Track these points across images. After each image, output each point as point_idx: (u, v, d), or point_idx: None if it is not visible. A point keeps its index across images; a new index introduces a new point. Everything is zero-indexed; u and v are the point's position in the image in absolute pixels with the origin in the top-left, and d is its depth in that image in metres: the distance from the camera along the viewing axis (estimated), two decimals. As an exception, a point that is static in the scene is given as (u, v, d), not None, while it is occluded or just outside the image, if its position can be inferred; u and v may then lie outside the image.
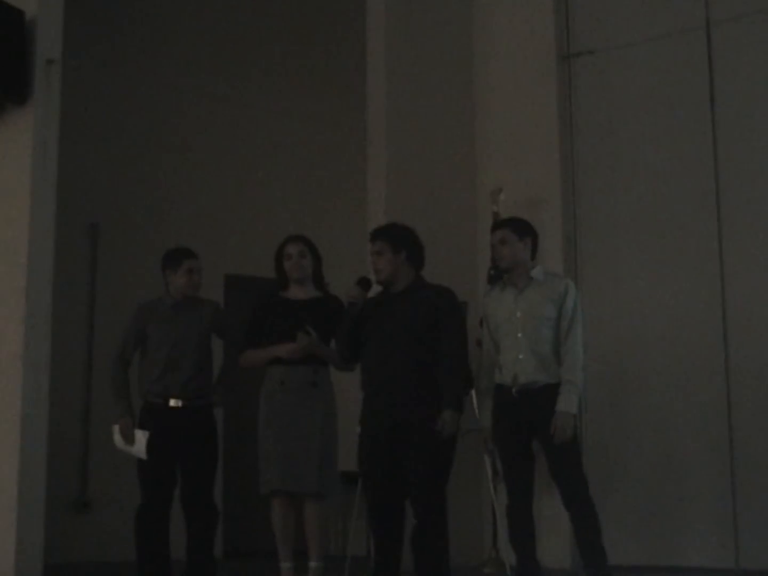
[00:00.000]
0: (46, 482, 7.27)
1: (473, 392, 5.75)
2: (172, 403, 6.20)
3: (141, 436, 6.19)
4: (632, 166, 8.21)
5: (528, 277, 5.64)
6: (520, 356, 5.51)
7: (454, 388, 5.55)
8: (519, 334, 5.54)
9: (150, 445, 6.14)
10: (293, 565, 6.11)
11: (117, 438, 6.26)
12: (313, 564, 6.07)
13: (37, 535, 7.16)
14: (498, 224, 5.88)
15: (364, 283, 5.77)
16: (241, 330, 6.36)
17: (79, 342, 8.91)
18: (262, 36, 10.23)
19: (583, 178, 8.38)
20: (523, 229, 5.74)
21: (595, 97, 8.42)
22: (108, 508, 8.46)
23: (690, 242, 7.91)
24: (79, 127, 8.84)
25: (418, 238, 5.83)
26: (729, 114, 7.88)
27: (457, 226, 8.45)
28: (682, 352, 7.82)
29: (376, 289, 5.90)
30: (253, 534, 9.38)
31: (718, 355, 7.69)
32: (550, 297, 5.57)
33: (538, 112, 8.45)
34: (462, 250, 8.44)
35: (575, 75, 8.50)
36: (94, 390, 8.80)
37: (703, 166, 7.90)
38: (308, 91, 10.31)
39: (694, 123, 7.99)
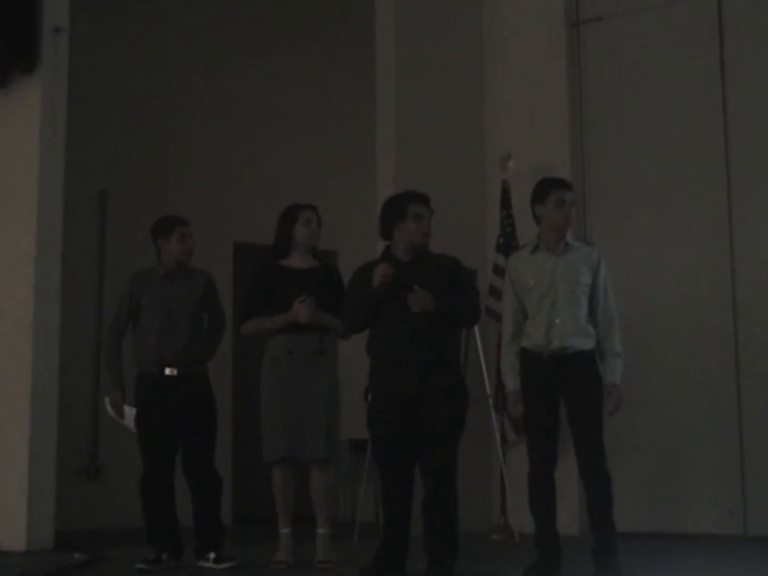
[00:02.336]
0: (57, 449, 7.40)
1: (501, 357, 5.75)
2: (168, 371, 6.23)
3: (129, 412, 6.29)
4: (642, 132, 8.23)
5: (565, 243, 5.59)
6: (557, 320, 5.47)
7: (455, 303, 5.58)
8: (557, 298, 5.49)
9: (145, 415, 6.22)
10: (292, 530, 6.18)
11: (109, 409, 6.38)
12: (320, 530, 6.15)
13: (49, 501, 7.31)
14: (567, 183, 5.75)
15: (389, 258, 5.66)
16: (244, 298, 6.39)
17: (88, 309, 8.99)
18: (273, 4, 10.21)
19: (593, 145, 8.42)
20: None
21: (604, 64, 8.45)
22: (119, 474, 8.51)
23: (700, 209, 7.93)
24: (87, 94, 8.89)
25: None
26: (739, 80, 7.89)
27: (466, 193, 8.48)
28: (691, 318, 7.87)
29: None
30: (262, 500, 9.35)
31: (727, 322, 7.74)
32: (586, 264, 5.55)
33: (547, 79, 8.50)
34: (471, 218, 8.48)
35: (584, 42, 8.53)
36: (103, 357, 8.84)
37: (713, 132, 7.92)
38: (316, 57, 10.33)
39: (704, 90, 8.01)
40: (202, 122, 9.80)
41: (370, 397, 5.73)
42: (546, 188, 5.62)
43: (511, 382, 5.64)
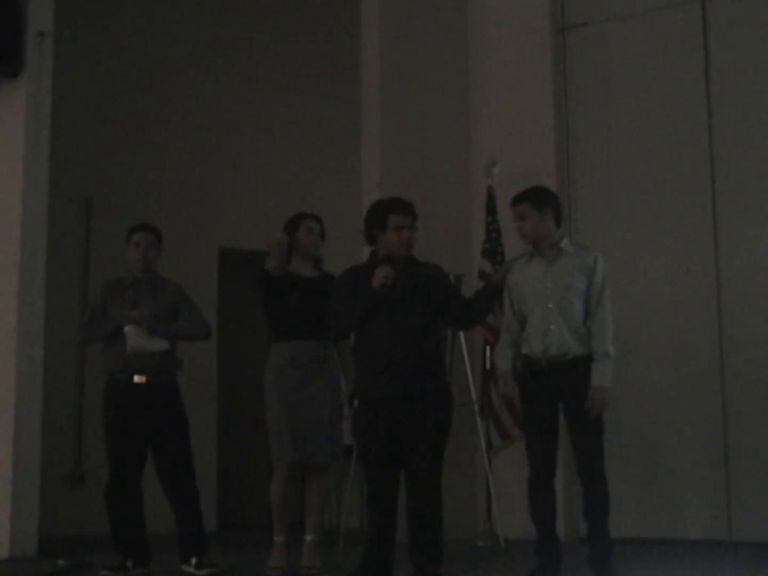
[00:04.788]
0: (41, 456, 7.42)
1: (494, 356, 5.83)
2: (136, 379, 6.24)
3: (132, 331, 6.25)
4: (627, 138, 8.26)
5: (557, 248, 5.66)
6: (552, 327, 5.55)
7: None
8: (550, 305, 5.58)
9: (113, 422, 6.23)
10: (287, 539, 6.20)
11: (132, 338, 6.22)
12: (309, 537, 6.18)
13: (32, 508, 7.33)
14: (516, 199, 5.78)
15: (389, 260, 5.62)
16: (268, 321, 6.38)
17: (72, 317, 8.86)
18: (257, 8, 10.21)
19: (578, 150, 8.44)
20: (542, 200, 5.72)
21: (589, 69, 8.47)
22: (103, 480, 8.48)
23: (685, 215, 7.97)
24: (73, 99, 8.88)
25: None
26: (724, 87, 7.93)
27: (451, 199, 8.48)
28: (676, 323, 7.90)
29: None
30: (248, 507, 9.46)
31: (712, 328, 7.77)
32: (580, 268, 5.62)
33: (532, 84, 8.51)
34: (456, 224, 8.49)
35: (570, 47, 8.54)
36: (88, 364, 8.83)
37: (698, 138, 7.96)
38: (301, 61, 10.31)
39: (689, 95, 8.03)
40: (188, 127, 9.79)
41: (355, 402, 5.75)
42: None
43: (502, 364, 5.74)
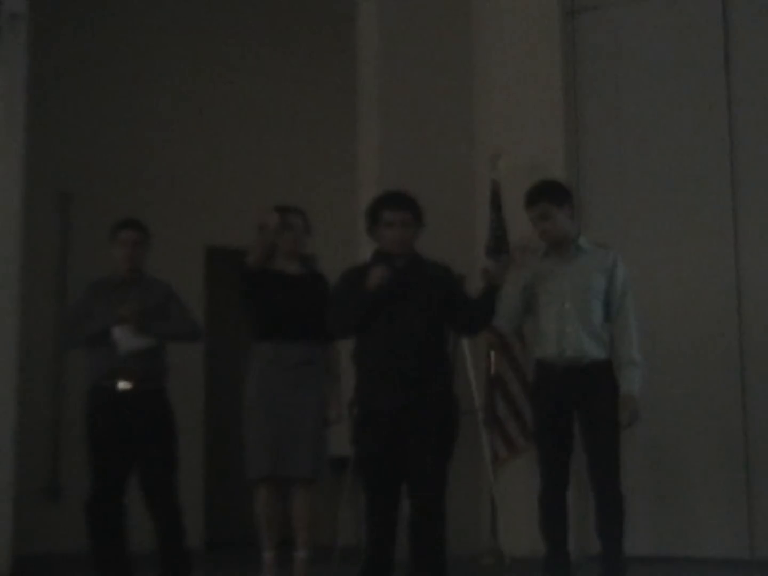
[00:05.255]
0: (15, 468, 7.34)
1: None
2: (122, 385, 6.08)
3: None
4: (641, 129, 8.17)
5: (575, 246, 5.57)
6: (568, 329, 5.46)
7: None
8: (566, 306, 5.48)
9: (97, 432, 6.09)
10: (276, 554, 6.09)
11: (122, 340, 6.07)
12: (299, 554, 6.08)
13: (5, 524, 7.24)
14: (532, 198, 5.61)
15: (385, 259, 5.50)
16: (249, 319, 6.31)
17: (49, 322, 8.87)
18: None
19: (589, 142, 8.36)
20: (560, 195, 5.60)
21: (601, 56, 8.38)
22: (81, 494, 8.35)
23: (703, 211, 7.87)
24: (49, 88, 8.80)
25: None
26: (745, 72, 7.84)
27: (453, 195, 8.41)
28: (693, 328, 7.81)
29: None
30: (236, 523, 9.37)
31: (731, 331, 7.68)
32: (599, 268, 5.52)
33: (540, 72, 8.42)
34: (459, 220, 8.40)
35: (580, 32, 8.46)
36: (65, 372, 8.75)
37: (716, 129, 7.87)
38: (294, 51, 10.25)
39: (707, 83, 7.95)
40: (174, 119, 9.69)
41: (355, 411, 5.61)
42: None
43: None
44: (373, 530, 5.46)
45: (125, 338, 6.06)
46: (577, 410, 5.50)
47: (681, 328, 7.84)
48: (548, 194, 5.58)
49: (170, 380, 6.37)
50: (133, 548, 6.26)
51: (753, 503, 7.50)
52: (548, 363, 5.53)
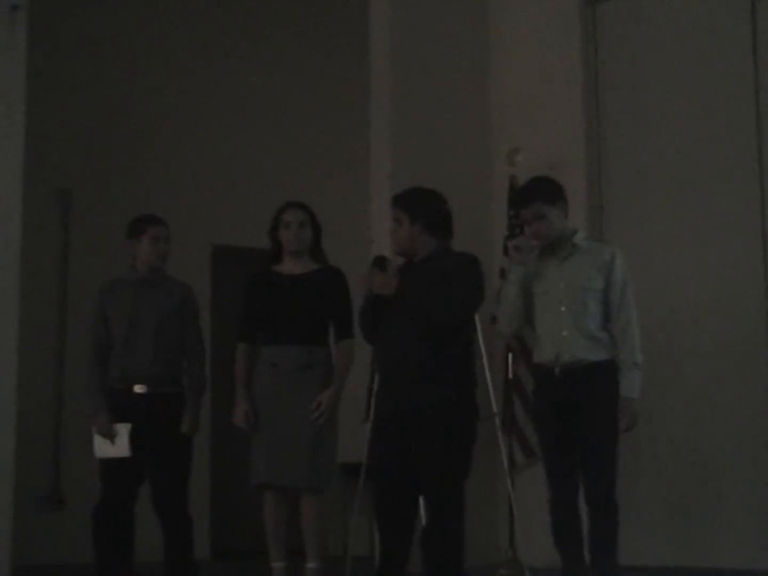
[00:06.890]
0: (15, 477, 7.30)
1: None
2: (137, 389, 6.10)
3: (122, 430, 6.07)
4: (665, 124, 8.10)
5: (570, 245, 5.52)
6: (564, 332, 5.42)
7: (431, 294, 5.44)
8: (562, 308, 5.45)
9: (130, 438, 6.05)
10: (286, 564, 6.05)
11: (98, 445, 6.13)
12: (310, 565, 6.03)
13: (4, 534, 7.19)
14: (524, 198, 5.64)
15: (380, 263, 5.58)
16: (237, 318, 6.32)
17: (50, 324, 8.93)
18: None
19: (610, 136, 8.31)
20: (552, 194, 5.57)
21: (623, 47, 8.32)
22: (83, 504, 8.33)
23: (729, 208, 7.79)
24: (51, 80, 8.82)
25: (439, 202, 5.72)
26: None
27: (469, 191, 8.36)
28: (718, 329, 7.74)
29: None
30: (243, 532, 9.43)
31: (758, 333, 7.59)
32: (595, 266, 5.47)
33: (559, 64, 8.41)
34: (475, 218, 8.33)
35: (601, 21, 8.43)
36: (66, 376, 8.80)
37: (744, 123, 7.77)
38: (306, 44, 10.29)
39: (734, 75, 7.86)
40: (180, 113, 9.73)
41: (370, 418, 5.70)
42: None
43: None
44: (385, 541, 5.52)
45: (106, 446, 6.08)
46: (577, 414, 5.45)
47: (705, 329, 7.77)
48: (541, 193, 5.56)
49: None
50: (138, 558, 6.27)
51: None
52: (546, 368, 5.49)
